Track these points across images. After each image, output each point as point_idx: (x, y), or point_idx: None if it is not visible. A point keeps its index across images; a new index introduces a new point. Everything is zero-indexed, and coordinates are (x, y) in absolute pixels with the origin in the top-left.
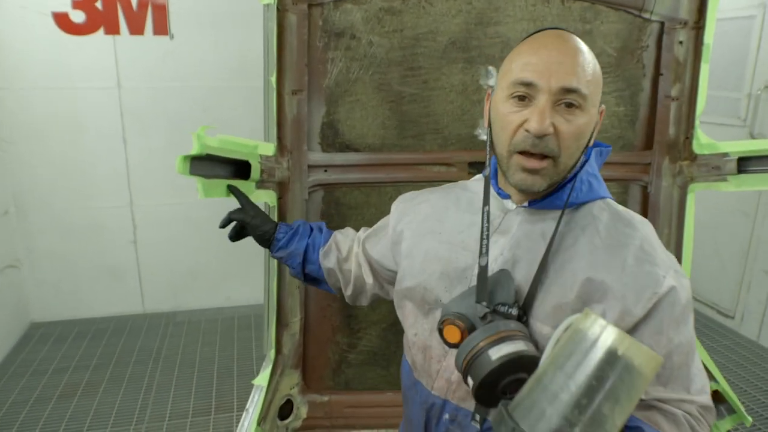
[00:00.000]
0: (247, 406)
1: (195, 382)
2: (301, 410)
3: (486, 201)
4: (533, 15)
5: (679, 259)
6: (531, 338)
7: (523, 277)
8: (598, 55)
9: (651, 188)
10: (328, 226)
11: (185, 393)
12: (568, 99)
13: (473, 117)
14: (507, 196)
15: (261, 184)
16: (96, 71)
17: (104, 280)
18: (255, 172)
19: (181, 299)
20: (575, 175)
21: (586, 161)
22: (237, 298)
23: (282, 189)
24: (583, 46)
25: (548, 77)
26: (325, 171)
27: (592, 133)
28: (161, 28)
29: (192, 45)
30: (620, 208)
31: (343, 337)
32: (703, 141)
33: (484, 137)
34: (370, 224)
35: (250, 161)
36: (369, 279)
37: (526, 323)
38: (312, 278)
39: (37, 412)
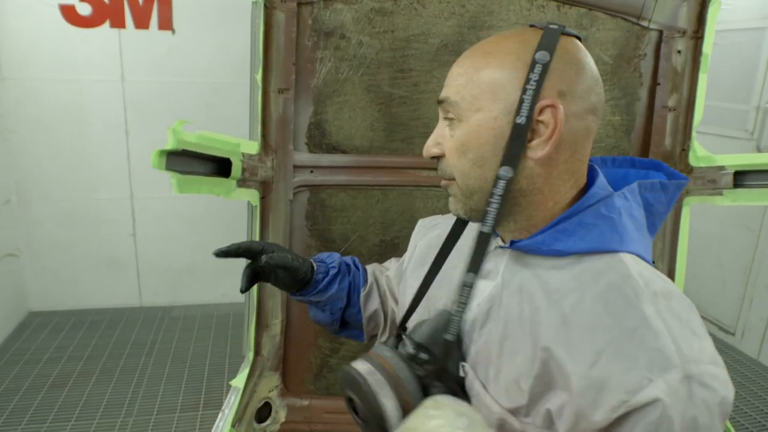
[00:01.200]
0: (223, 407)
1: (186, 378)
2: (280, 414)
3: (454, 236)
4: (528, 19)
5: (672, 273)
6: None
7: (493, 336)
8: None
9: None
10: (313, 228)
11: (175, 388)
12: (447, 112)
13: None
14: (496, 234)
15: (242, 183)
16: (101, 64)
17: (103, 272)
18: (236, 171)
19: (178, 294)
20: (578, 211)
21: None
22: (233, 295)
23: (265, 189)
24: (481, 46)
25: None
26: (311, 172)
27: (512, 141)
28: (166, 23)
29: (197, 41)
30: (637, 270)
31: (326, 341)
32: (700, 153)
33: None
34: (356, 227)
35: (231, 159)
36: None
37: (465, 392)
38: (346, 324)
39: (27, 400)
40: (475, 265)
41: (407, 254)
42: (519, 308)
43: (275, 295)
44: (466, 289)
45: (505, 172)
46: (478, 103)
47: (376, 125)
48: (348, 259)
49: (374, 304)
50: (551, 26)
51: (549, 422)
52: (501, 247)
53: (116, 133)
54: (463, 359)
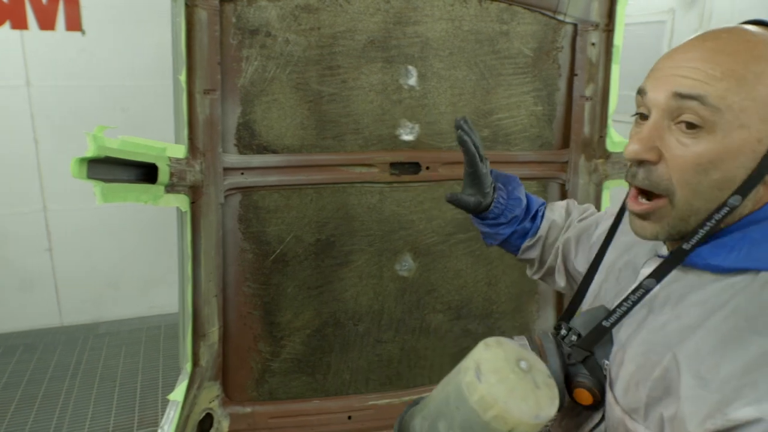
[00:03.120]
0: (161, 423)
1: (116, 398)
2: (223, 424)
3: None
4: (451, 15)
5: None
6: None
7: (634, 341)
8: (514, 56)
9: (569, 186)
10: (247, 231)
11: (105, 409)
12: (685, 114)
13: (394, 117)
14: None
15: (171, 188)
16: (1, 69)
17: (15, 292)
18: (163, 176)
19: (102, 310)
20: (748, 224)
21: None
22: (163, 306)
23: (195, 193)
24: (741, 40)
25: (661, 82)
26: (242, 174)
27: (761, 168)
28: (74, 23)
29: (109, 41)
30: None
31: (266, 346)
32: (616, 139)
33: (405, 137)
34: (291, 227)
35: (158, 164)
36: (561, 282)
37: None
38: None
39: None
40: (660, 274)
41: (593, 228)
42: (665, 319)
43: (211, 303)
44: (641, 290)
45: (735, 201)
46: (747, 119)
47: (307, 123)
48: (532, 199)
49: (533, 253)
50: None
51: (661, 428)
52: (660, 255)
53: (23, 142)
54: (607, 357)
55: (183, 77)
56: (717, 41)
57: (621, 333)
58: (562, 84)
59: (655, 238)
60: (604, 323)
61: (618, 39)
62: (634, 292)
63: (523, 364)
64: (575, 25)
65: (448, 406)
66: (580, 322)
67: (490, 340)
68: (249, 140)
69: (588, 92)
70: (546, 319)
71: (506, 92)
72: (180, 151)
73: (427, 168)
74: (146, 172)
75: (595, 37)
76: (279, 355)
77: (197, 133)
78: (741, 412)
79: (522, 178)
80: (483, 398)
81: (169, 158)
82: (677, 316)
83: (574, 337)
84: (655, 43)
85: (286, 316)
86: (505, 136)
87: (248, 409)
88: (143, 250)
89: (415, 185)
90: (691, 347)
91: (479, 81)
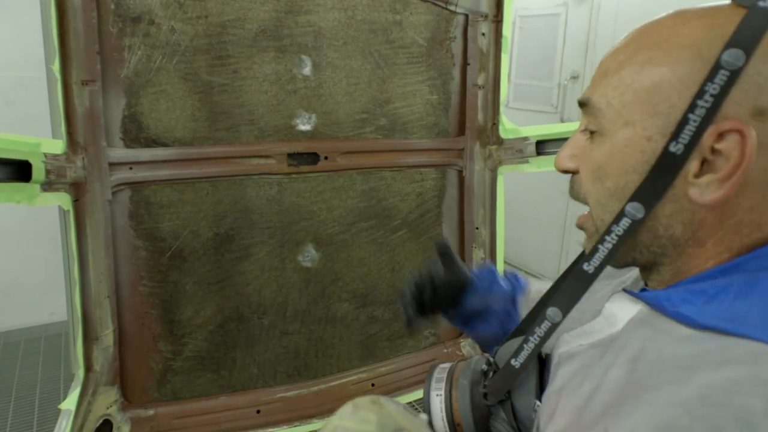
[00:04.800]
0: None
1: (12, 412)
2: (123, 429)
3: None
4: (344, 4)
5: (494, 237)
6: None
7: (574, 391)
8: (408, 46)
9: (466, 172)
10: (139, 228)
11: None
12: (588, 121)
13: (289, 107)
14: None
15: (48, 187)
16: None
17: None
18: (38, 173)
19: None
20: (734, 270)
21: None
22: (64, 313)
23: (78, 191)
24: (650, 31)
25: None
26: (131, 168)
27: (655, 170)
28: None
29: None
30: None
31: (167, 345)
32: (508, 126)
33: (302, 127)
34: (186, 222)
35: (31, 161)
36: None
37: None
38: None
39: None
40: (563, 302)
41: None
42: (615, 373)
43: (103, 305)
44: (546, 323)
45: (634, 210)
46: (630, 114)
47: (198, 115)
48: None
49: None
50: (761, 4)
51: None
52: (627, 291)
53: None
54: (539, 397)
55: (56, 67)
56: (632, 33)
57: (559, 374)
58: (456, 73)
59: (587, 251)
60: (513, 362)
61: (506, 29)
62: (538, 324)
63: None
64: (466, 16)
65: None
66: (500, 355)
67: (363, 401)
68: (136, 133)
69: (480, 81)
70: None
71: (402, 81)
72: (57, 146)
73: (326, 158)
74: (18, 170)
75: (485, 27)
76: (181, 353)
77: (76, 127)
78: None
79: (420, 166)
80: None
81: (45, 154)
82: (628, 373)
83: (491, 374)
84: (551, 34)
85: (186, 313)
86: (403, 124)
87: (151, 412)
88: (40, 254)
89: (314, 176)
90: (625, 429)
91: (375, 70)
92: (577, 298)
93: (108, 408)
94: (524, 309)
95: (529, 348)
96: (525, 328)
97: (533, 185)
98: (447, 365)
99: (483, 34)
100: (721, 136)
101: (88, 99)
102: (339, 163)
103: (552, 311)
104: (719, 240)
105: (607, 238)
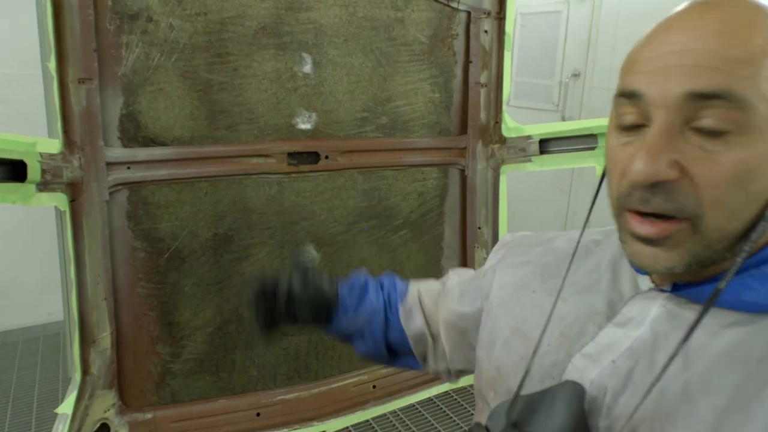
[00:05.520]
0: None
1: (10, 413)
2: None
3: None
4: (345, 1)
5: (497, 236)
6: None
7: (632, 407)
8: (410, 43)
9: (468, 171)
10: (137, 228)
11: None
12: (705, 116)
13: (289, 105)
14: (645, 271)
15: (44, 187)
16: None
17: None
18: (34, 173)
19: None
20: None
21: None
22: (62, 313)
23: (74, 191)
24: (751, 6)
25: (662, 78)
26: (129, 168)
27: None
28: None
29: None
30: None
31: (165, 347)
32: (510, 125)
33: (303, 126)
34: (185, 223)
35: (26, 161)
36: (448, 349)
37: None
38: (395, 352)
39: None
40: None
41: (486, 280)
42: (683, 375)
43: (100, 307)
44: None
45: None
46: None
47: (197, 114)
48: (380, 278)
49: (417, 322)
50: None
51: None
52: (654, 289)
53: None
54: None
55: (52, 65)
56: (720, 11)
57: (616, 399)
58: (458, 71)
59: (671, 270)
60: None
61: (509, 27)
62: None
63: None
64: (468, 13)
65: None
66: (521, 411)
67: None
68: (134, 132)
69: (483, 79)
70: None
71: (403, 79)
72: (54, 146)
73: (326, 157)
74: (13, 170)
75: (487, 24)
76: (180, 356)
77: (73, 126)
78: None
79: (422, 165)
80: None
81: (41, 154)
82: (701, 374)
83: None
84: (553, 32)
85: (185, 315)
86: (404, 123)
87: (149, 415)
88: (34, 252)
89: (314, 175)
90: (739, 418)
91: (376, 68)
92: (700, 320)
93: (105, 412)
94: (405, 315)
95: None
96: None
97: (534, 184)
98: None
99: (485, 32)
100: None
101: (85, 97)
102: (340, 163)
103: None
104: None
105: (744, 247)
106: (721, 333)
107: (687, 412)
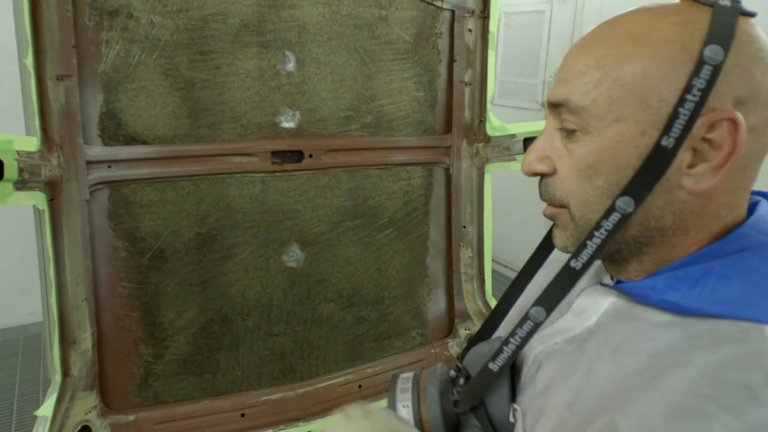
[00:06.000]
0: None
1: None
2: None
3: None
4: None
5: (482, 235)
6: None
7: (560, 388)
8: (394, 42)
9: (453, 170)
10: (118, 228)
11: None
12: (564, 119)
13: (273, 104)
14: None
15: (22, 185)
16: None
17: None
18: (10, 172)
19: None
20: (712, 256)
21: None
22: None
23: (53, 190)
24: (622, 27)
25: (550, 90)
26: (109, 167)
27: (648, 165)
28: None
29: None
30: None
31: (148, 348)
32: (495, 123)
33: (286, 124)
34: (167, 222)
35: (2, 158)
36: None
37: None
38: None
39: None
40: (548, 300)
41: None
42: (602, 367)
43: (80, 307)
44: (529, 323)
45: (625, 204)
46: (620, 109)
47: (179, 112)
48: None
49: None
50: (721, 3)
51: None
52: (604, 284)
53: None
54: (514, 400)
55: (29, 61)
56: (599, 29)
57: (541, 373)
58: (443, 69)
59: (566, 249)
60: (491, 366)
61: (493, 26)
62: (520, 324)
63: None
64: (453, 12)
65: None
66: (471, 360)
67: (355, 411)
68: (115, 130)
69: (467, 78)
70: (437, 302)
71: (388, 78)
72: (31, 143)
73: (310, 156)
74: None
75: (471, 23)
76: (163, 356)
77: (52, 124)
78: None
79: (407, 164)
80: None
81: (18, 152)
82: (617, 365)
83: (462, 380)
84: (536, 31)
85: (168, 315)
86: (389, 122)
87: (131, 417)
88: (13, 252)
89: (298, 174)
90: (635, 416)
91: (360, 67)
92: (563, 296)
93: (87, 414)
94: None
95: (509, 350)
96: (487, 329)
97: (518, 182)
98: (409, 375)
99: (470, 31)
100: (712, 126)
101: (64, 95)
102: (324, 161)
103: (536, 311)
104: (702, 226)
105: (596, 233)
106: (648, 331)
107: (585, 369)
